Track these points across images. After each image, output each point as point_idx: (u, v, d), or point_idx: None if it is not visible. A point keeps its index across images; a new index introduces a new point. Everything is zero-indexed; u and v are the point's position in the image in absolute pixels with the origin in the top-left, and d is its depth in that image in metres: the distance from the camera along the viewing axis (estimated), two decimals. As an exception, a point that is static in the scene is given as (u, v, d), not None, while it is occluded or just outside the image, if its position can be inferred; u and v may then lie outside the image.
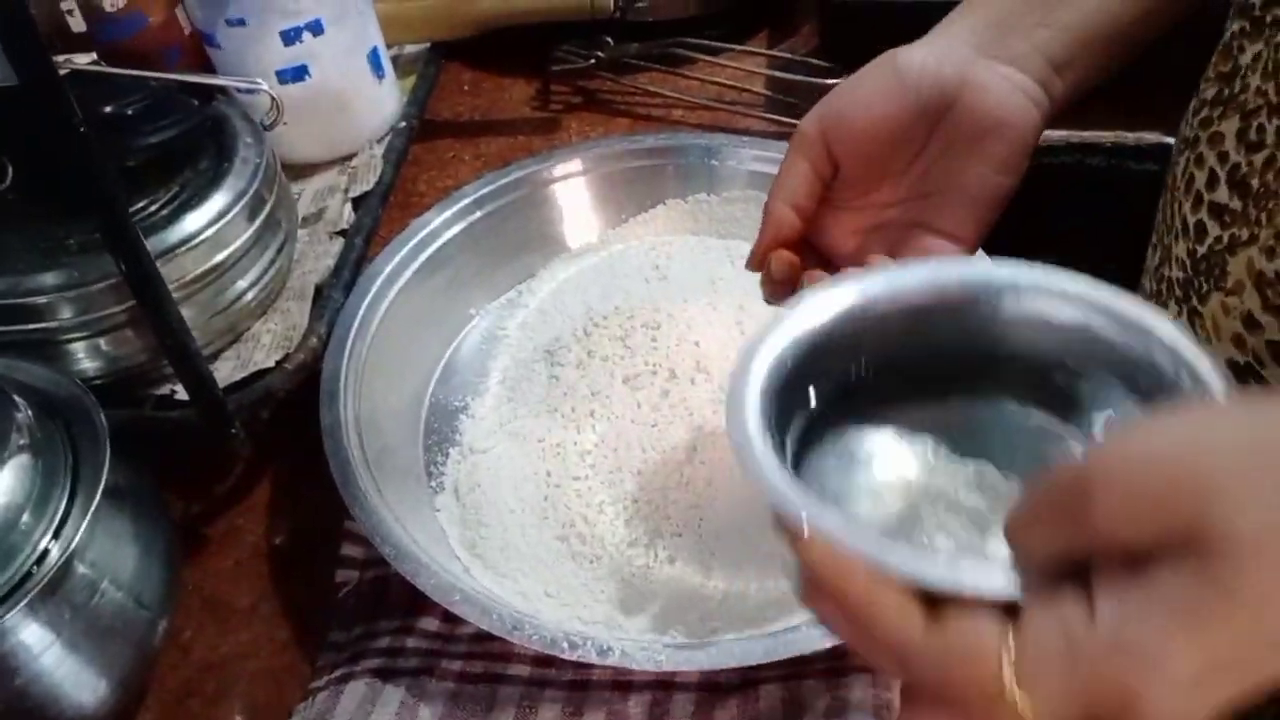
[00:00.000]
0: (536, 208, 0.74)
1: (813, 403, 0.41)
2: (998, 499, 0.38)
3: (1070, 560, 0.29)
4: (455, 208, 0.71)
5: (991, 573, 0.30)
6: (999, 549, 0.32)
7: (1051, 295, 0.39)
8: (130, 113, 0.62)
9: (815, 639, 0.48)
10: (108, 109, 0.61)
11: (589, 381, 0.63)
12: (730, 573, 0.56)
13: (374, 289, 0.66)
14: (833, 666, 0.52)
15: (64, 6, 0.71)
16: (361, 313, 0.64)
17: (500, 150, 0.87)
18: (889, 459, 0.41)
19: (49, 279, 0.58)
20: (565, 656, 0.48)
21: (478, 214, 0.72)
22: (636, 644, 0.48)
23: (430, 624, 0.56)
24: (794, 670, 0.52)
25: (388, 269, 0.67)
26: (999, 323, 0.40)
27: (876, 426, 0.42)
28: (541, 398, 0.64)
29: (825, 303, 0.40)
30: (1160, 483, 0.28)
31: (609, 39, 0.89)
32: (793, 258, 0.51)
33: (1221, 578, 0.26)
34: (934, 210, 0.50)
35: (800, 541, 0.32)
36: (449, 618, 0.56)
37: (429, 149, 0.87)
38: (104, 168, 0.47)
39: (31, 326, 0.58)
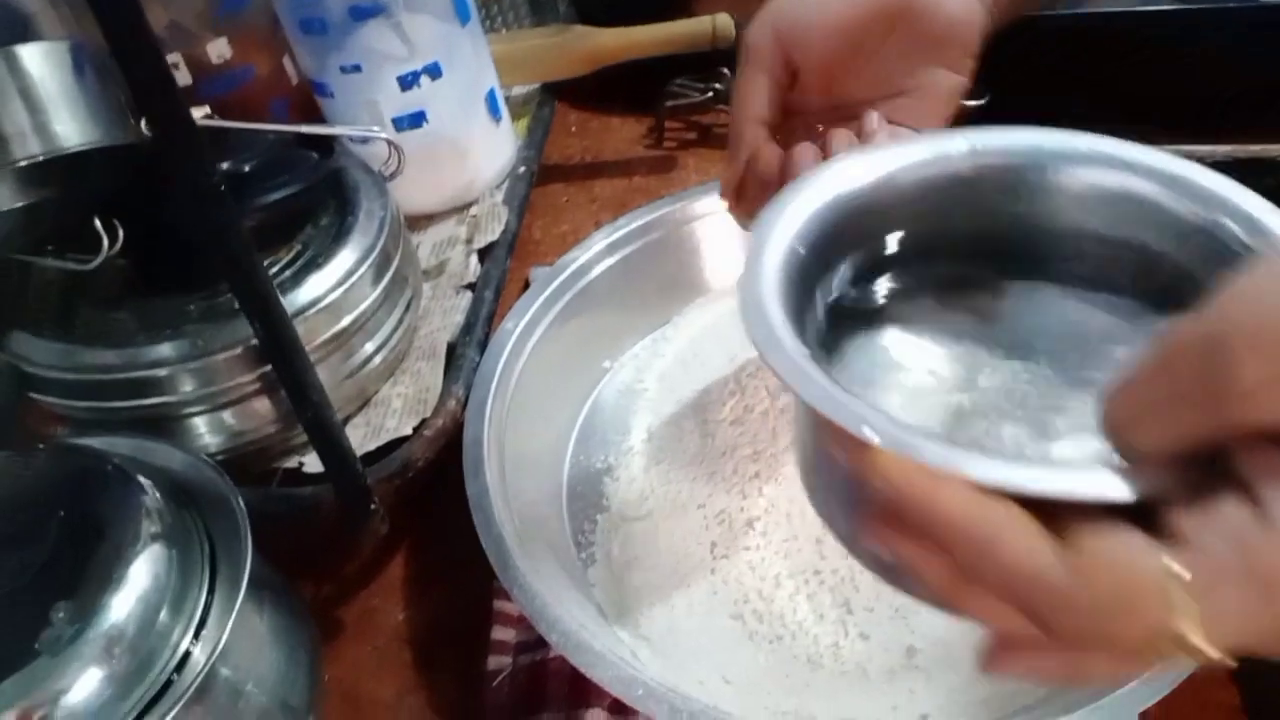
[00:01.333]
0: (671, 250, 0.69)
1: (835, 288, 0.36)
2: (1054, 398, 0.32)
3: (1202, 448, 0.23)
4: (585, 256, 0.66)
5: (1108, 477, 0.24)
6: (1070, 453, 0.28)
7: (1110, 164, 0.34)
8: (248, 169, 0.58)
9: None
10: (225, 165, 0.57)
11: (750, 439, 0.58)
12: (936, 649, 0.49)
13: (509, 346, 0.60)
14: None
15: (169, 60, 0.68)
16: (499, 372, 0.59)
17: (616, 193, 0.83)
18: (925, 357, 0.35)
19: (169, 350, 0.54)
20: (771, 759, 0.42)
21: (609, 261, 0.67)
22: (856, 745, 0.42)
23: (598, 716, 0.50)
24: (1022, 766, 0.45)
25: (521, 324, 0.62)
26: (1048, 194, 0.35)
27: (908, 318, 0.36)
28: (696, 458, 0.59)
29: (847, 171, 0.36)
30: None
31: (726, 69, 0.84)
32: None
33: None
34: (898, 112, 0.48)
35: (871, 455, 0.26)
36: (617, 709, 0.50)
37: (540, 195, 0.83)
38: (238, 226, 0.43)
39: (150, 401, 0.55)
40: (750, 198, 0.48)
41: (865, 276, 0.36)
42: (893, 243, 0.37)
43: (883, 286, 0.36)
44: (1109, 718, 0.41)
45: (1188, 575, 0.23)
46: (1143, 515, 0.24)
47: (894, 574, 0.32)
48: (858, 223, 0.35)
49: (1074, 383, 0.32)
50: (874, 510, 0.28)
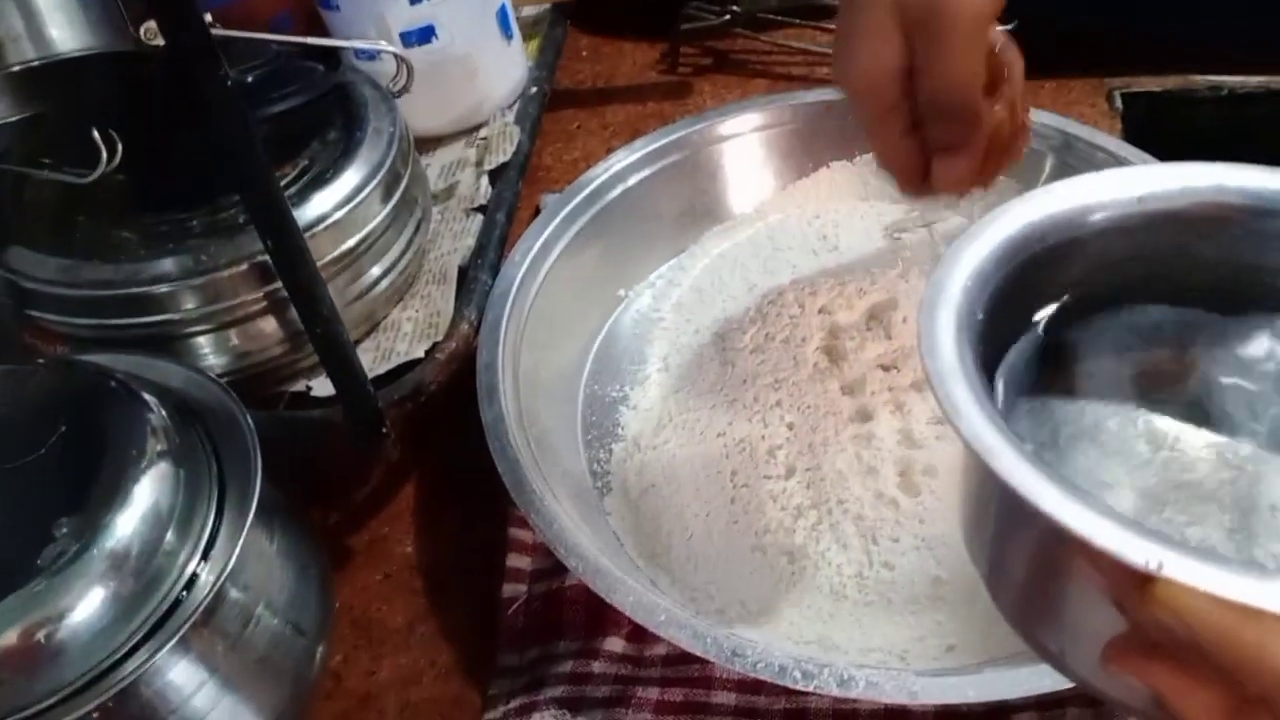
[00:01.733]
0: (690, 175, 0.66)
1: (1014, 339, 0.32)
2: (1258, 481, 0.29)
3: None
4: (601, 178, 0.64)
5: None
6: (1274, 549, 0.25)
7: None
8: (251, 80, 0.56)
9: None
10: (228, 76, 0.55)
11: (771, 368, 0.56)
12: (961, 582, 0.48)
13: (523, 270, 0.58)
14: (1100, 693, 0.44)
15: (168, -28, 0.65)
16: (513, 296, 0.57)
17: (629, 119, 0.80)
18: (1111, 426, 0.31)
19: (171, 265, 0.52)
20: (798, 687, 0.41)
21: (625, 184, 0.64)
22: (884, 672, 0.41)
23: (615, 645, 0.49)
24: (1052, 697, 0.44)
25: (535, 247, 0.60)
26: (1266, 244, 0.31)
27: (1091, 379, 0.32)
28: (715, 386, 0.57)
29: (1040, 204, 0.32)
30: None
31: (745, -9, 0.82)
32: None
33: None
34: None
35: (1158, 587, 0.22)
36: (636, 637, 0.49)
37: (551, 120, 0.80)
38: (252, 133, 0.40)
39: (152, 319, 0.52)
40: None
41: (1046, 323, 0.33)
42: (1079, 286, 0.33)
43: (1064, 336, 0.33)
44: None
45: None
46: None
47: (1129, 698, 0.28)
48: (1039, 274, 0.32)
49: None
50: (1128, 640, 0.25)
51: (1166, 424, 0.31)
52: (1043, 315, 0.33)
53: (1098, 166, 0.58)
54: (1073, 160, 0.60)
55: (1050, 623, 0.30)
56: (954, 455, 0.51)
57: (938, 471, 0.51)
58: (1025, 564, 0.30)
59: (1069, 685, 0.39)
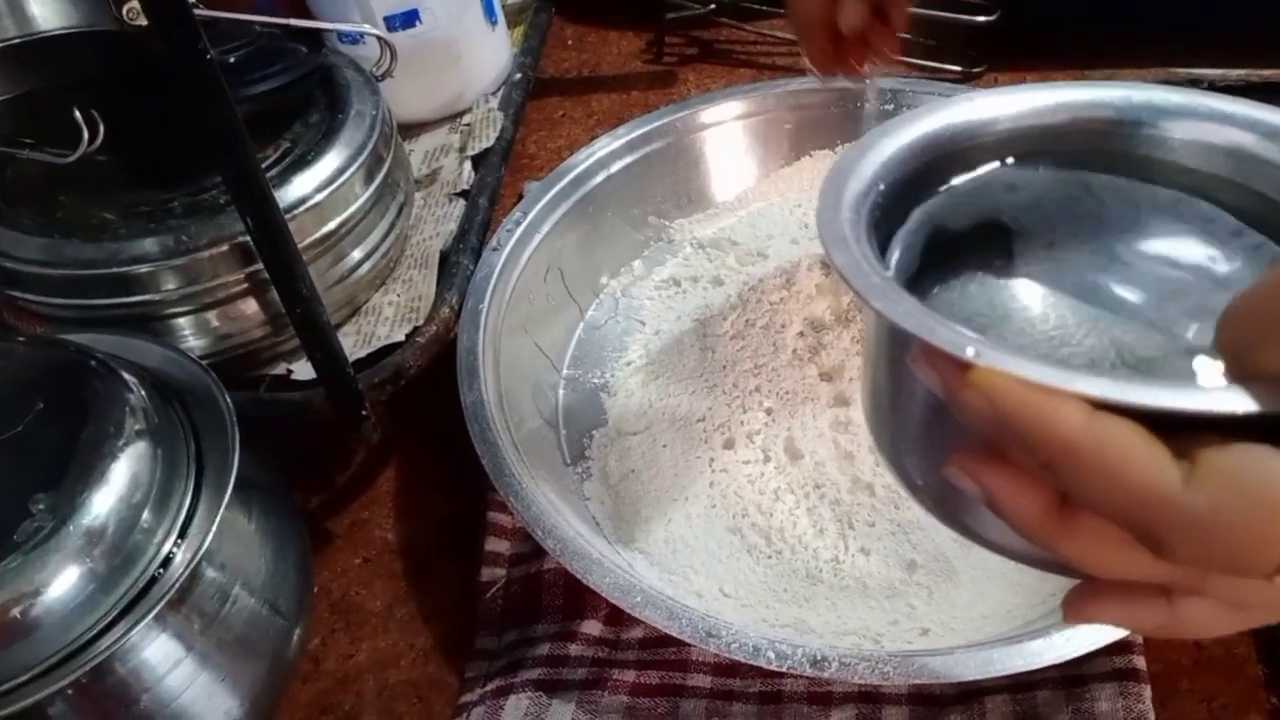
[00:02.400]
0: (672, 162, 0.67)
1: (912, 227, 0.33)
2: (1155, 355, 0.30)
3: None
4: (583, 165, 0.64)
5: (1235, 393, 0.22)
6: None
7: (1204, 117, 0.32)
8: (233, 60, 0.56)
9: (1065, 645, 0.41)
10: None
11: (750, 354, 0.56)
12: (936, 566, 0.48)
13: (504, 255, 0.59)
14: (1071, 674, 0.45)
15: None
16: (494, 280, 0.57)
17: (613, 107, 0.80)
18: (1015, 311, 0.32)
19: (152, 246, 0.51)
20: (771, 668, 0.41)
21: (606, 172, 0.64)
22: (856, 653, 0.41)
23: (592, 628, 0.49)
24: (1024, 678, 0.45)
25: (517, 233, 0.60)
26: (1139, 149, 0.33)
27: (994, 270, 0.33)
28: (696, 372, 0.57)
29: (931, 118, 0.34)
30: None
31: (729, -18, 0.82)
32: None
33: None
34: None
35: (971, 375, 0.24)
36: (613, 620, 0.49)
37: (536, 108, 0.80)
38: (233, 107, 0.40)
39: (132, 299, 0.52)
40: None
41: (947, 225, 0.34)
42: (969, 179, 0.34)
43: (964, 236, 0.34)
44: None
45: None
46: (1272, 436, 0.22)
47: (967, 517, 0.30)
48: (938, 163, 0.34)
49: (1172, 338, 0.30)
50: (961, 439, 0.26)
51: (1069, 308, 0.31)
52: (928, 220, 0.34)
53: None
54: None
55: (912, 450, 0.32)
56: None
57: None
58: (889, 390, 0.32)
59: (1039, 667, 0.41)
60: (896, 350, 0.30)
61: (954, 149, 0.34)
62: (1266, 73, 0.74)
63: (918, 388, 0.29)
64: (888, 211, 0.32)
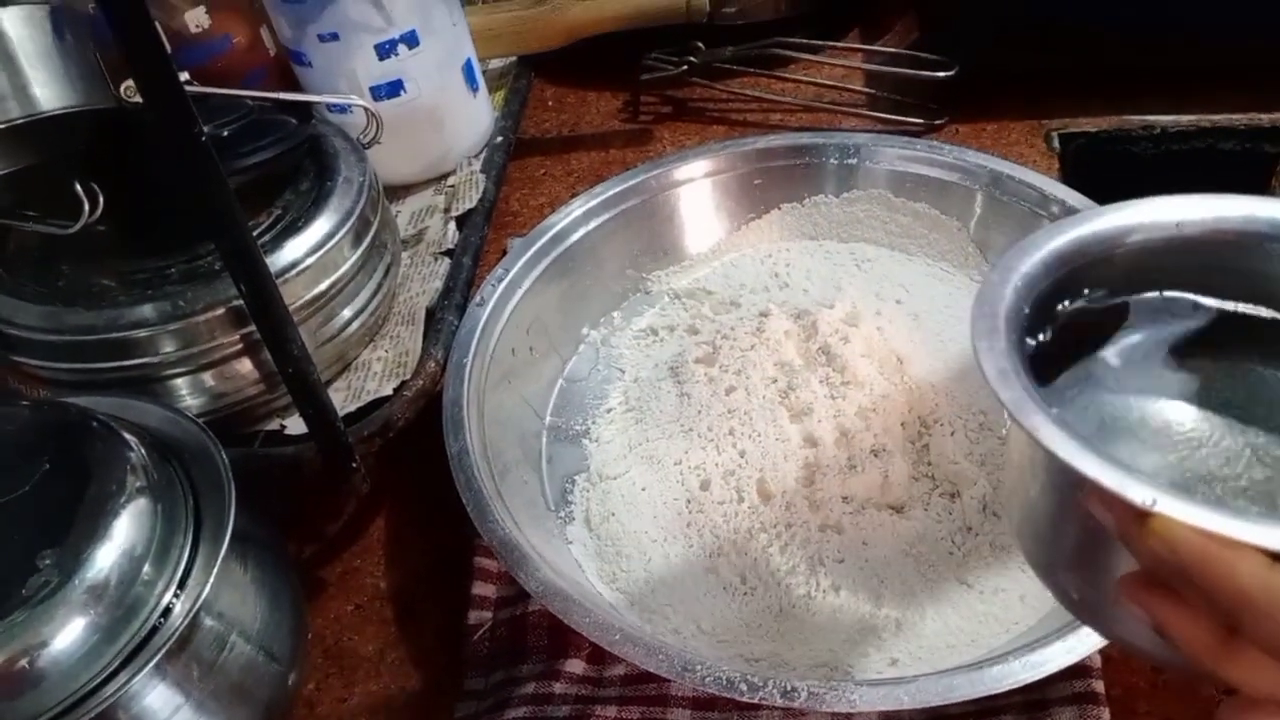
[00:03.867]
0: (648, 217, 0.70)
1: (1048, 334, 0.35)
2: None
3: None
4: (563, 222, 0.67)
5: None
6: None
7: None
8: (227, 134, 0.59)
9: (1025, 670, 0.43)
10: (204, 130, 0.57)
11: (723, 398, 0.59)
12: (903, 599, 0.51)
13: (487, 311, 0.61)
14: (1034, 699, 0.47)
15: (148, 31, 0.68)
16: (478, 335, 0.60)
17: (592, 165, 0.84)
18: (1145, 425, 0.35)
19: (150, 311, 0.54)
20: (744, 699, 0.43)
21: (585, 228, 0.68)
22: (825, 683, 0.43)
23: (576, 666, 0.51)
24: (988, 704, 0.47)
25: (500, 289, 0.63)
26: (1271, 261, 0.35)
27: (1127, 381, 0.35)
28: (673, 417, 0.60)
29: (1085, 223, 0.35)
30: None
31: (700, 44, 0.85)
32: None
33: None
34: None
35: (1151, 521, 0.26)
36: (596, 658, 0.51)
37: (518, 167, 0.83)
38: (225, 181, 0.43)
39: (132, 362, 0.55)
40: None
41: (1082, 328, 0.36)
42: (1116, 298, 0.36)
43: (1101, 342, 0.36)
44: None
45: None
46: None
47: (1125, 631, 0.32)
48: (1077, 277, 0.35)
49: None
50: (1135, 575, 0.28)
51: (1203, 417, 0.34)
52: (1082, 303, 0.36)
53: (1026, 201, 0.62)
54: (1002, 195, 0.64)
55: (1071, 568, 0.33)
56: (895, 475, 0.54)
57: (879, 497, 0.54)
58: (1049, 514, 0.33)
59: (998, 692, 0.43)
60: (1062, 481, 0.31)
61: (1086, 262, 0.35)
62: (1217, 117, 0.78)
63: (1084, 518, 0.30)
64: (1031, 330, 0.34)
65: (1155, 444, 0.34)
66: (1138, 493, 0.26)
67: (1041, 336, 0.35)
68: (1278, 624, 0.25)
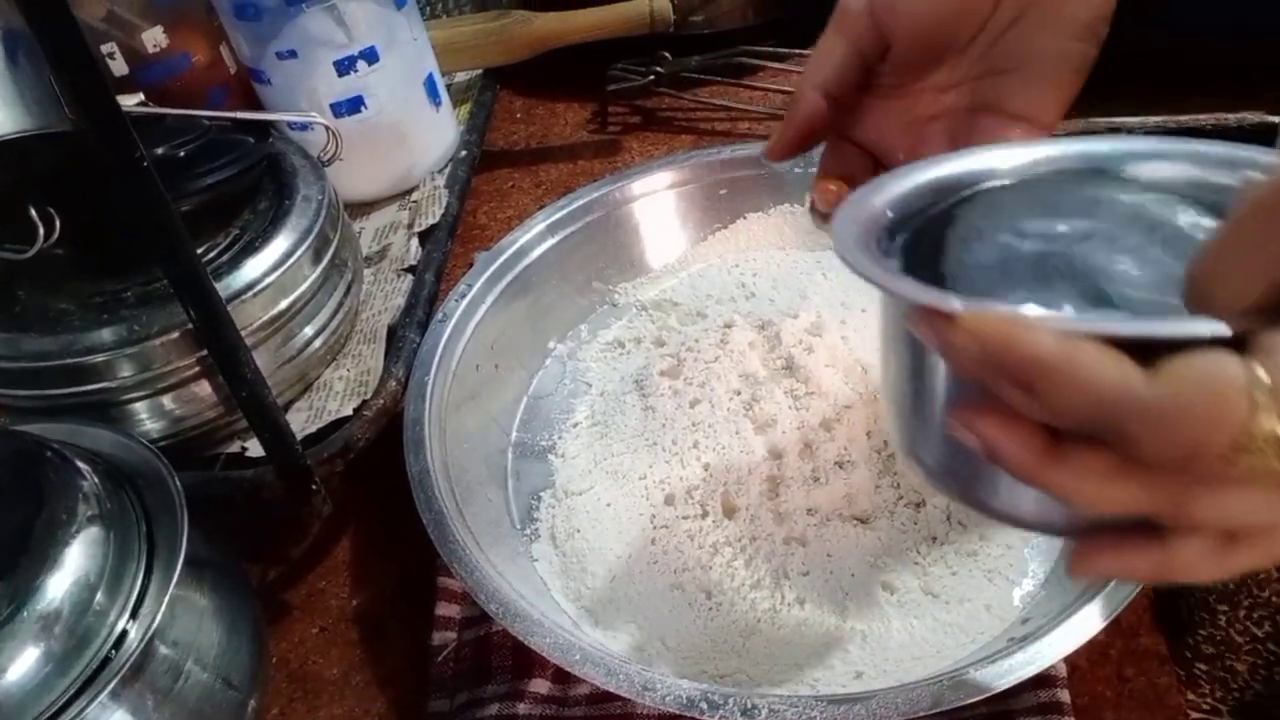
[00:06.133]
0: (611, 230, 0.70)
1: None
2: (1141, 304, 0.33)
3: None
4: (526, 236, 0.67)
5: (1195, 322, 0.26)
6: None
7: (1174, 159, 0.35)
8: (183, 154, 0.58)
9: (989, 680, 0.43)
10: (159, 151, 0.57)
11: (687, 411, 0.58)
12: (869, 612, 0.50)
13: (450, 327, 0.61)
14: (998, 710, 0.46)
15: (104, 49, 0.68)
16: (440, 352, 0.59)
17: (561, 177, 0.83)
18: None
19: (106, 335, 0.53)
20: (704, 719, 0.43)
21: (550, 241, 0.67)
22: (786, 700, 0.43)
23: (540, 686, 0.51)
24: (953, 716, 0.46)
25: (462, 305, 0.62)
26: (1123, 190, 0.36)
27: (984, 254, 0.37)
28: (638, 431, 0.59)
29: (928, 170, 0.37)
30: None
31: (666, 54, 0.85)
32: (842, 187, 0.47)
33: None
34: (1005, 89, 0.42)
35: (958, 323, 0.27)
36: (560, 678, 0.51)
37: (487, 180, 0.83)
38: (169, 206, 0.43)
39: (89, 387, 0.54)
40: (791, 153, 0.47)
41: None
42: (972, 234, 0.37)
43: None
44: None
45: (1268, 380, 0.24)
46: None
47: (979, 488, 0.33)
48: (938, 210, 0.37)
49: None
50: (961, 397, 0.30)
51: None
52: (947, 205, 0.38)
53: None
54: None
55: (924, 428, 0.34)
56: (859, 486, 0.54)
57: (843, 508, 0.54)
58: (901, 378, 0.34)
59: (965, 704, 0.42)
60: (897, 328, 0.33)
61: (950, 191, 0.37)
62: (1184, 118, 0.78)
63: (922, 366, 0.32)
64: (892, 232, 0.36)
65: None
66: (945, 300, 0.27)
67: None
68: (1073, 381, 0.26)
